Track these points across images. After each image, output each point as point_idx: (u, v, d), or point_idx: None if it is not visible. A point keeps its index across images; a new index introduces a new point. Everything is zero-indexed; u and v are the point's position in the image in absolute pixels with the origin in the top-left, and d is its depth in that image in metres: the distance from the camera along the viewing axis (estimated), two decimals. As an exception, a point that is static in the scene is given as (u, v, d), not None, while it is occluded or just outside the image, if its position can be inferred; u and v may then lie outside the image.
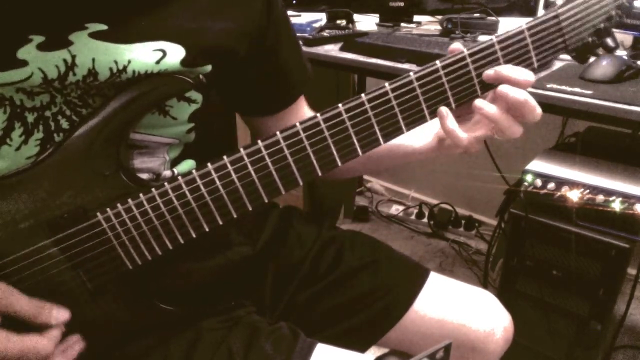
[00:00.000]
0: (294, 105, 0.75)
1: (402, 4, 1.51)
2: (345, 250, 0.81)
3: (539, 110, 0.57)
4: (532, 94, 0.56)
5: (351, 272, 0.79)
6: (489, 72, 0.56)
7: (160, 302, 0.60)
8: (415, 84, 0.56)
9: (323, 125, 0.56)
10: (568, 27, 0.57)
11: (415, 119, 0.58)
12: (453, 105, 0.58)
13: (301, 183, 0.58)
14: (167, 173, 0.63)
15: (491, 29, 1.35)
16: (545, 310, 1.19)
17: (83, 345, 0.56)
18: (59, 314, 0.54)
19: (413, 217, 2.20)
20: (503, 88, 0.56)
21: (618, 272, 1.08)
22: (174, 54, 0.56)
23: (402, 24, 1.56)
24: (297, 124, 0.56)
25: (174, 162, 0.64)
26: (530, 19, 0.57)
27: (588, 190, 1.04)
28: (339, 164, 0.58)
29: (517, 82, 0.55)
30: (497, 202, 1.29)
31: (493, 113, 0.57)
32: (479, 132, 0.60)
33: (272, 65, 0.69)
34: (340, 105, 0.56)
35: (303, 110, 0.77)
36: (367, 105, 0.56)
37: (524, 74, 0.56)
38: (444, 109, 0.57)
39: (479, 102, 0.57)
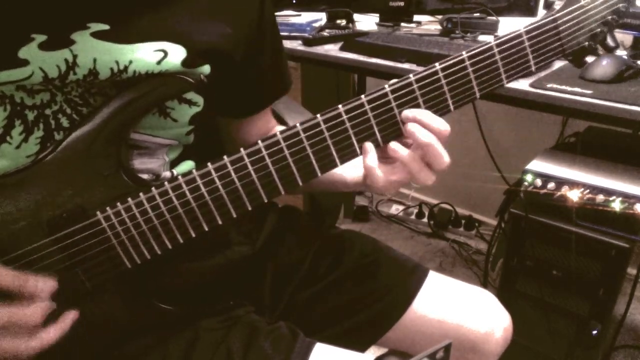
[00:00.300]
0: (263, 113, 0.76)
1: (402, 3, 1.50)
2: (345, 250, 0.81)
3: (445, 158, 0.57)
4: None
5: (351, 272, 0.79)
6: (408, 113, 0.57)
7: (159, 302, 0.60)
8: (415, 85, 0.56)
9: (323, 126, 0.56)
10: (566, 31, 0.58)
11: None
12: (452, 108, 0.58)
13: (301, 183, 0.58)
14: (166, 174, 0.63)
15: (491, 28, 1.35)
16: (545, 310, 1.19)
17: (76, 314, 0.55)
18: (45, 284, 0.53)
19: (413, 217, 2.20)
20: (412, 127, 0.56)
21: (618, 272, 1.08)
22: (175, 54, 0.56)
23: (402, 24, 1.56)
24: (298, 124, 0.56)
25: (174, 163, 0.64)
26: (531, 18, 0.57)
27: (588, 190, 1.04)
28: (339, 164, 0.58)
29: (430, 127, 0.56)
30: (497, 202, 1.29)
31: (403, 155, 0.58)
32: (395, 176, 0.60)
33: (255, 70, 0.69)
34: (340, 106, 0.56)
35: (271, 120, 0.79)
36: (367, 107, 0.56)
37: (437, 122, 0.56)
38: (368, 145, 0.58)
39: (392, 145, 0.58)
